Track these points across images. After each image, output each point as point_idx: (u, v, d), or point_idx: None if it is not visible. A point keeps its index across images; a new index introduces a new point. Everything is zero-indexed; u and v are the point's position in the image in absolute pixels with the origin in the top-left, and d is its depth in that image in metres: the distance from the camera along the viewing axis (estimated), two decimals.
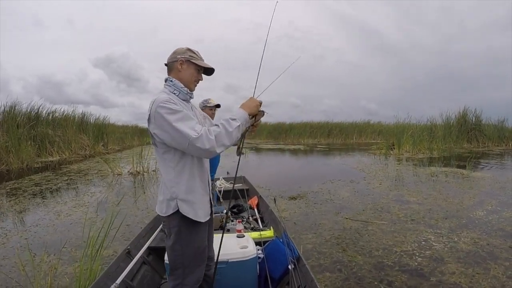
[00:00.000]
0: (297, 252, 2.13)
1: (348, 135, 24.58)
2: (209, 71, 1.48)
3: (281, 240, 2.25)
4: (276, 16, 1.69)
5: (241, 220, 2.79)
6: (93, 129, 14.81)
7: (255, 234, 2.50)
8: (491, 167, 8.56)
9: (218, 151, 1.24)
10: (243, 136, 1.41)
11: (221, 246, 1.53)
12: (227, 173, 5.58)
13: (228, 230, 2.66)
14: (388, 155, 12.12)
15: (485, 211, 4.16)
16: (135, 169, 8.14)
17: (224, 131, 1.26)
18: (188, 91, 1.41)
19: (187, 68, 1.40)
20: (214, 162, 3.08)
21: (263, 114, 1.44)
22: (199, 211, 1.37)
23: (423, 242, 3.08)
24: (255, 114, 1.41)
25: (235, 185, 2.01)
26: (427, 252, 2.84)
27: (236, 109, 1.38)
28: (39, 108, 12.23)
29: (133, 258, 2.06)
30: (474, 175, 7.08)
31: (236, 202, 4.07)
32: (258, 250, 2.14)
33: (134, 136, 22.57)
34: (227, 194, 4.35)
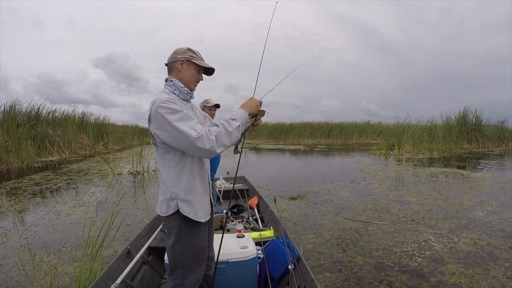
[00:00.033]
0: (297, 252, 2.12)
1: (348, 136, 24.60)
2: (209, 71, 1.48)
3: (281, 240, 2.25)
4: (276, 16, 1.70)
5: (241, 220, 2.79)
6: (93, 129, 14.81)
7: (255, 234, 2.50)
8: (491, 167, 8.56)
9: (218, 151, 1.24)
10: (243, 136, 1.41)
11: (221, 246, 1.53)
12: (227, 173, 5.59)
13: (228, 230, 2.66)
14: (388, 155, 12.12)
15: (485, 211, 4.16)
16: (135, 169, 8.14)
17: (224, 131, 1.26)
18: (189, 91, 1.41)
19: (187, 68, 1.39)
20: (214, 162, 3.08)
21: (264, 114, 1.44)
22: (199, 211, 1.37)
23: (423, 243, 3.08)
24: (255, 114, 1.41)
25: (235, 185, 2.01)
26: (427, 252, 2.84)
27: (236, 109, 1.38)
28: (39, 107, 12.28)
29: (133, 258, 2.06)
30: (474, 176, 7.08)
31: (236, 202, 4.07)
32: (258, 250, 2.14)
33: (134, 136, 22.58)
34: (227, 194, 4.35)
